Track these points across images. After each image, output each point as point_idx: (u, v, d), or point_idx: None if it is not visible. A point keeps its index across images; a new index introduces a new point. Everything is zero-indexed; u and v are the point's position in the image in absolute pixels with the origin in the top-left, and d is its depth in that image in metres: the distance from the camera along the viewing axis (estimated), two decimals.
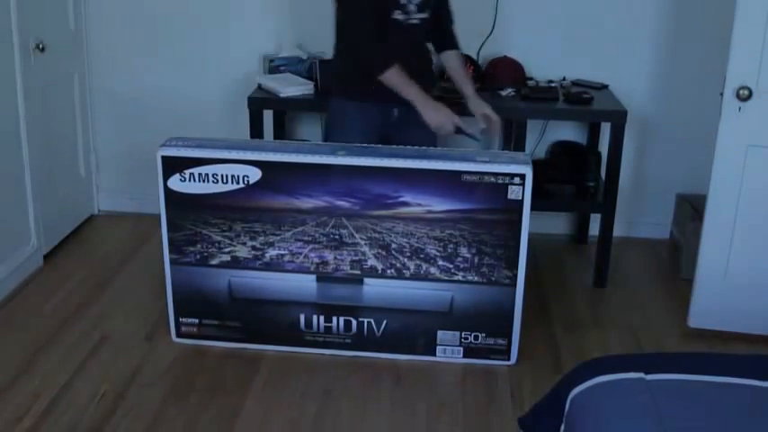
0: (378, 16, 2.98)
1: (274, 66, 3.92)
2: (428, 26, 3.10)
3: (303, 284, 3.06)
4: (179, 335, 3.19)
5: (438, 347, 3.10)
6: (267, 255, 3.04)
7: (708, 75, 3.73)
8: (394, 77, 2.97)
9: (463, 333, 3.07)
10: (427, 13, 3.06)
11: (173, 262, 3.08)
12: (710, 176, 3.15)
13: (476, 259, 2.97)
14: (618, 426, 1.97)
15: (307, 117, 4.17)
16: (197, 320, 3.16)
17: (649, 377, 2.11)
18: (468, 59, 3.83)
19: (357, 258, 3.01)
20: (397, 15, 3.01)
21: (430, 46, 3.24)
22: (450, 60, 3.23)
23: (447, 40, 3.23)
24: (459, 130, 3.05)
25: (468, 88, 3.20)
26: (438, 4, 3.14)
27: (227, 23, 4.08)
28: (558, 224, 4.25)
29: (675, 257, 3.93)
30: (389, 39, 3.02)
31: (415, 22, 3.04)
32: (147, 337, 3.23)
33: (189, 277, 3.10)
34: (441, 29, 3.21)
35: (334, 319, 3.09)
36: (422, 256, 2.98)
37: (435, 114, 3.02)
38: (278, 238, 3.01)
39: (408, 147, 3.17)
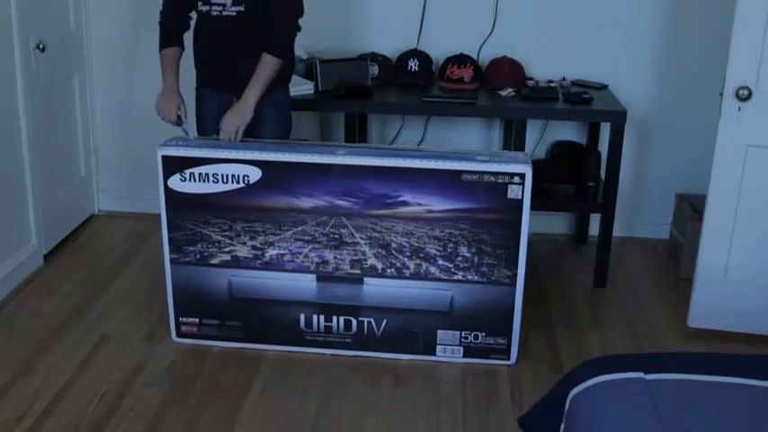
0: (184, 3, 3.12)
1: None
2: (248, 19, 3.03)
3: (303, 284, 3.06)
4: (179, 335, 3.19)
5: (438, 347, 3.10)
6: (267, 254, 3.04)
7: (708, 75, 3.74)
8: (161, 58, 3.15)
9: (463, 333, 3.07)
10: (244, 7, 3.01)
11: (173, 262, 3.09)
12: (710, 176, 3.15)
13: (476, 259, 2.97)
14: (618, 425, 1.97)
15: (307, 117, 4.17)
16: (197, 320, 3.16)
17: (649, 377, 2.11)
18: (468, 59, 3.85)
19: (357, 258, 3.01)
20: (201, 7, 3.05)
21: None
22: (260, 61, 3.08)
23: (265, 42, 3.06)
24: (179, 123, 3.14)
25: (245, 94, 3.05)
26: (264, 2, 3.03)
27: None
28: (558, 224, 4.25)
29: (675, 257, 3.93)
30: (199, 28, 3.13)
31: (227, 13, 3.02)
32: (147, 337, 3.23)
33: (189, 277, 3.10)
34: (264, 29, 3.08)
35: (335, 318, 3.09)
36: (422, 255, 2.98)
37: (161, 101, 3.12)
38: (278, 237, 3.01)
39: (408, 146, 3.18)
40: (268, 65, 3.05)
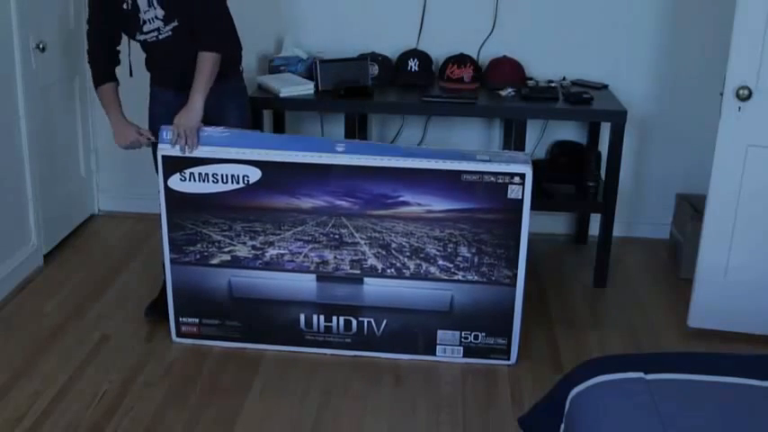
0: (111, 41, 3.14)
1: (274, 66, 3.93)
2: (186, 30, 3.03)
3: (303, 284, 3.06)
4: (179, 335, 3.19)
5: (438, 347, 3.10)
6: (267, 254, 3.04)
7: (708, 75, 3.74)
8: (99, 96, 3.20)
9: (463, 333, 3.07)
10: (177, 22, 3.01)
11: (173, 261, 3.09)
12: (710, 176, 3.15)
13: (476, 259, 2.97)
14: (618, 425, 1.97)
15: (307, 117, 4.18)
16: (197, 320, 3.16)
17: (649, 377, 2.11)
18: (468, 59, 3.85)
19: (357, 258, 3.01)
20: (140, 37, 3.06)
21: None
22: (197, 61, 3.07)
23: (198, 42, 3.05)
24: (149, 143, 3.16)
25: (191, 95, 3.03)
26: (188, 9, 3.01)
27: None
28: (558, 224, 4.25)
29: (675, 257, 3.93)
30: (143, 48, 3.13)
31: (164, 36, 3.03)
32: (147, 338, 3.23)
33: (189, 277, 3.10)
34: (195, 29, 3.07)
35: (335, 318, 3.09)
36: (422, 255, 2.98)
37: (119, 137, 3.17)
38: (278, 237, 3.01)
39: (408, 146, 3.18)
40: (206, 62, 3.03)
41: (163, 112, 3.17)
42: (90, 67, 3.19)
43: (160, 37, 3.04)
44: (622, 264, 3.95)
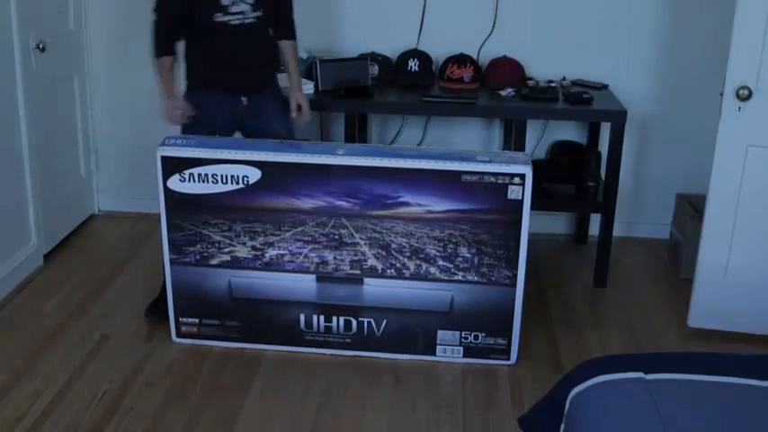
0: (196, 16, 3.13)
1: None
2: (265, 22, 3.17)
3: (303, 284, 3.06)
4: (179, 335, 3.19)
5: (438, 347, 3.10)
6: (267, 255, 3.04)
7: (708, 75, 3.74)
8: (158, 67, 3.18)
9: (463, 333, 3.07)
10: (262, 11, 3.12)
11: (173, 262, 3.09)
12: (710, 176, 3.15)
13: (476, 259, 2.97)
14: (618, 425, 1.97)
15: None
16: (197, 320, 3.16)
17: (649, 377, 2.11)
18: (468, 59, 3.85)
19: (357, 258, 3.01)
20: (219, 18, 3.08)
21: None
22: (284, 50, 3.32)
23: (282, 30, 3.28)
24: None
25: (291, 80, 3.33)
26: (276, 1, 3.23)
27: None
28: (558, 224, 4.25)
29: (675, 257, 3.94)
30: (208, 36, 3.14)
31: (249, 20, 3.10)
32: (147, 337, 3.23)
33: (189, 277, 3.10)
34: (278, 20, 3.25)
35: (335, 318, 3.09)
36: (422, 255, 2.98)
37: (164, 109, 3.20)
38: (278, 238, 3.01)
39: (408, 147, 3.18)
40: (295, 49, 3.30)
41: (225, 116, 3.23)
42: (154, 36, 3.16)
43: (245, 21, 3.10)
44: (622, 264, 3.95)
